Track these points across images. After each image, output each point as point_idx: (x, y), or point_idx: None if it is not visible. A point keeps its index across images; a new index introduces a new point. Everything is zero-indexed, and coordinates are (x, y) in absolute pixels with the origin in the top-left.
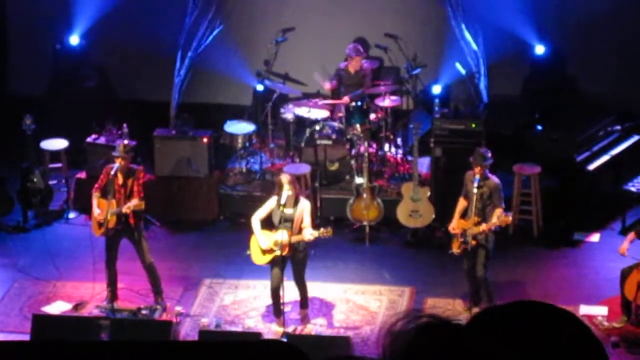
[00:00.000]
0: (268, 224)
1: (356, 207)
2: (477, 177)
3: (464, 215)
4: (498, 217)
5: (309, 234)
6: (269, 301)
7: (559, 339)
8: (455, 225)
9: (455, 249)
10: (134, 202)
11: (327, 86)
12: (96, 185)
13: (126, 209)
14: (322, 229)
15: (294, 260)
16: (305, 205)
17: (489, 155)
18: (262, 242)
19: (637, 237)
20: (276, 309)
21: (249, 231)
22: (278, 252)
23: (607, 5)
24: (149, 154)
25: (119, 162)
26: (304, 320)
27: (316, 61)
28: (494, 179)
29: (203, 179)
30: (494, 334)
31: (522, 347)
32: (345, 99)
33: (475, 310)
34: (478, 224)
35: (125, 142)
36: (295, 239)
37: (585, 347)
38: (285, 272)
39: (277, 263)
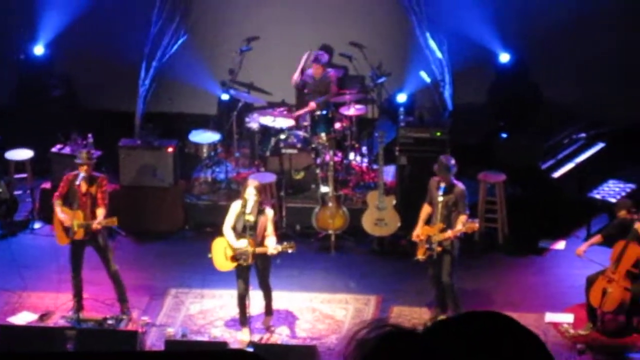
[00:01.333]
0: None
1: (322, 215)
2: (443, 186)
3: (428, 221)
4: (464, 223)
5: (272, 248)
6: (235, 311)
7: (508, 350)
8: (419, 232)
9: (420, 255)
10: (106, 219)
11: (294, 77)
12: (56, 194)
13: (97, 224)
14: (285, 243)
15: (258, 266)
16: (268, 214)
17: (452, 162)
18: (229, 251)
19: (602, 242)
20: (242, 318)
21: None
22: (242, 262)
23: (570, 14)
24: (114, 164)
25: (83, 170)
26: (268, 328)
27: (281, 70)
28: (460, 186)
29: (168, 188)
30: (446, 345)
31: (472, 356)
32: (312, 104)
33: (442, 317)
34: (443, 230)
35: (91, 151)
36: (259, 250)
37: (532, 356)
38: (251, 281)
39: (242, 272)
